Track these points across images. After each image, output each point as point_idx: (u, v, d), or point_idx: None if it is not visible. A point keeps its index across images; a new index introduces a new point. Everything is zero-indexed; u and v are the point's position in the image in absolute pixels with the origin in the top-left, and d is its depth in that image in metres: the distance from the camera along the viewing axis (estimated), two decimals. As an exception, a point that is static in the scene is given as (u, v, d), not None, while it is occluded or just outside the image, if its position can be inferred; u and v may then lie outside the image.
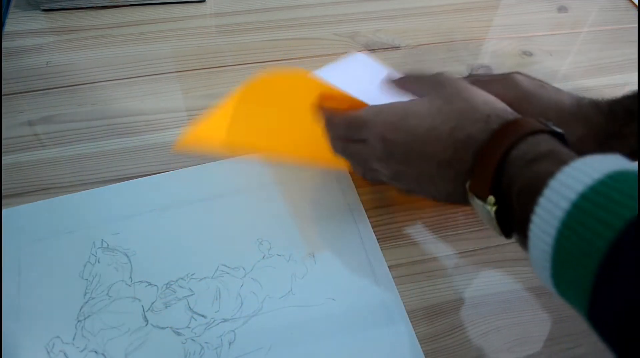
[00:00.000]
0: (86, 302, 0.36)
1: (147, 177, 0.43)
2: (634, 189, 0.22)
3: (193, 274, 0.38)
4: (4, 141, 0.45)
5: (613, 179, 0.23)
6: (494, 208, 0.28)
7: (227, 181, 0.44)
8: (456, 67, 0.55)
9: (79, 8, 0.57)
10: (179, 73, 0.52)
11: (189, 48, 0.54)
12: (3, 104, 0.48)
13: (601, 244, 0.22)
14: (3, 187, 0.42)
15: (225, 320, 0.37)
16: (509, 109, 0.33)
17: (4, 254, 0.38)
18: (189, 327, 0.36)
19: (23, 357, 0.34)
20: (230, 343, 0.36)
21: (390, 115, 0.35)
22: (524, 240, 0.27)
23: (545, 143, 0.28)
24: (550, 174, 0.25)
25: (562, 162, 0.25)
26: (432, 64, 0.54)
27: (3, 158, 0.44)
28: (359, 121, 0.36)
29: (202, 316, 0.37)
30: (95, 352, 0.34)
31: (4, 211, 0.40)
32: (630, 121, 0.36)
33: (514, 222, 0.28)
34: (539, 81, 0.41)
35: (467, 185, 0.30)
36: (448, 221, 0.43)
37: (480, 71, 0.55)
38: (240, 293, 0.38)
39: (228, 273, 0.39)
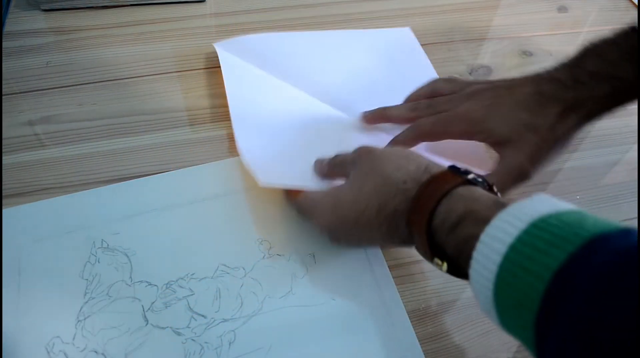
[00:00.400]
0: (86, 302, 0.36)
1: (147, 177, 0.43)
2: (558, 236, 0.23)
3: (193, 274, 0.38)
4: (4, 141, 0.45)
5: (537, 228, 0.24)
6: (444, 266, 0.30)
7: (227, 181, 0.44)
8: (456, 67, 0.55)
9: (79, 8, 0.57)
10: (179, 73, 0.52)
11: (189, 48, 0.54)
12: (3, 104, 0.48)
13: (534, 295, 0.22)
14: (3, 187, 0.42)
15: (225, 320, 0.37)
16: (424, 162, 0.33)
17: (4, 254, 0.38)
18: (189, 327, 0.36)
19: (23, 357, 0.34)
20: (230, 343, 0.36)
21: (325, 206, 0.37)
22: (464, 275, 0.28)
23: (462, 202, 0.29)
24: (474, 237, 0.26)
25: (483, 221, 0.26)
26: (432, 64, 0.54)
27: (3, 158, 0.44)
28: (303, 210, 0.39)
29: (202, 316, 0.37)
30: (95, 352, 0.34)
31: (4, 211, 0.40)
32: (597, 82, 0.37)
33: (449, 249, 0.29)
34: (488, 89, 0.41)
35: (405, 220, 0.32)
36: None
37: (480, 71, 0.55)
38: (240, 293, 0.38)
39: (228, 273, 0.39)
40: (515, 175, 0.39)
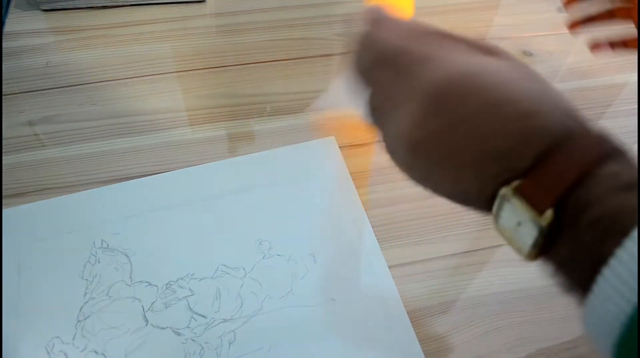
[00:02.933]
0: (86, 302, 0.36)
1: (147, 177, 0.43)
2: None
3: (193, 274, 0.38)
4: (4, 141, 0.45)
5: None
6: (546, 224, 0.20)
7: (227, 181, 0.44)
8: (456, 67, 0.55)
9: (79, 8, 0.57)
10: (179, 73, 0.52)
11: (189, 48, 0.54)
12: (3, 104, 0.48)
13: None
14: (3, 187, 0.42)
15: (225, 320, 0.37)
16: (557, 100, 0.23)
17: (4, 254, 0.38)
18: (189, 327, 0.36)
19: (23, 357, 0.34)
20: (230, 344, 0.36)
21: (454, 61, 0.24)
22: (572, 278, 0.20)
23: (634, 170, 0.20)
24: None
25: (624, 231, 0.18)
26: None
27: (3, 158, 0.44)
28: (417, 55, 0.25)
29: (202, 316, 0.37)
30: (95, 352, 0.34)
31: (4, 211, 0.40)
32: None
33: (563, 253, 0.21)
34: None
35: (514, 185, 0.21)
36: (448, 221, 0.43)
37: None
38: (240, 293, 0.38)
39: (228, 273, 0.39)
40: None
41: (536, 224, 0.20)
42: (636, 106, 0.53)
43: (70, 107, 0.48)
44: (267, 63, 0.53)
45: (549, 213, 0.20)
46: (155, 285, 0.38)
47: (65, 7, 0.56)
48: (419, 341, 0.36)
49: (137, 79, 0.51)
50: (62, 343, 0.35)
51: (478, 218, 0.44)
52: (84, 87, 0.50)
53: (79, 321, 0.36)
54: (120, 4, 0.57)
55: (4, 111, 0.47)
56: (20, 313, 0.36)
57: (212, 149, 0.46)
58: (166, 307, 0.37)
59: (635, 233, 0.18)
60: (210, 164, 0.45)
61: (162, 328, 0.36)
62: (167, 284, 0.38)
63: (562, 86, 0.55)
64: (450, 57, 0.25)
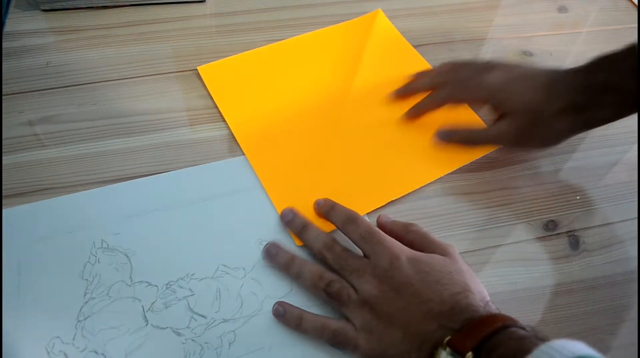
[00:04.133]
0: (86, 302, 0.36)
1: (147, 177, 0.43)
2: None
3: (193, 274, 0.38)
4: (4, 141, 0.45)
5: None
6: None
7: (227, 181, 0.44)
8: (456, 67, 0.55)
9: (79, 8, 0.57)
10: (179, 73, 0.52)
11: (189, 48, 0.54)
12: (3, 104, 0.48)
13: None
14: (3, 187, 0.42)
15: (225, 321, 0.37)
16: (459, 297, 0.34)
17: (4, 254, 0.38)
18: (189, 327, 0.36)
19: (23, 357, 0.34)
20: (230, 344, 0.36)
21: (407, 251, 0.36)
22: None
23: (529, 334, 0.30)
24: (534, 345, 0.27)
25: (541, 341, 0.28)
26: (432, 65, 0.54)
27: (3, 158, 0.44)
28: (378, 237, 0.36)
29: (202, 316, 0.37)
30: (95, 352, 0.34)
31: (4, 211, 0.40)
32: (605, 92, 0.40)
33: None
34: (509, 66, 0.45)
35: (447, 339, 0.30)
36: (447, 222, 0.43)
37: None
38: (240, 293, 0.38)
39: (228, 273, 0.39)
40: (499, 138, 0.45)
41: None
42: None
43: (70, 107, 0.48)
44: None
45: (469, 354, 0.29)
46: (155, 285, 0.38)
47: (65, 7, 0.56)
48: (419, 341, 0.36)
49: (137, 79, 0.51)
50: (62, 343, 0.35)
51: (478, 218, 0.44)
52: (84, 87, 0.50)
53: (79, 321, 0.36)
54: (120, 4, 0.57)
55: (4, 111, 0.47)
56: (20, 313, 0.36)
57: (212, 149, 0.46)
58: (166, 307, 0.37)
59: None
60: (211, 164, 0.45)
61: (162, 328, 0.36)
62: (167, 284, 0.38)
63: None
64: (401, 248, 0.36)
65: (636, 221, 0.44)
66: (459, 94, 0.47)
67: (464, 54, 0.56)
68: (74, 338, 0.35)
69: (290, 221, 0.40)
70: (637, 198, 0.46)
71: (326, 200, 0.41)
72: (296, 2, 0.60)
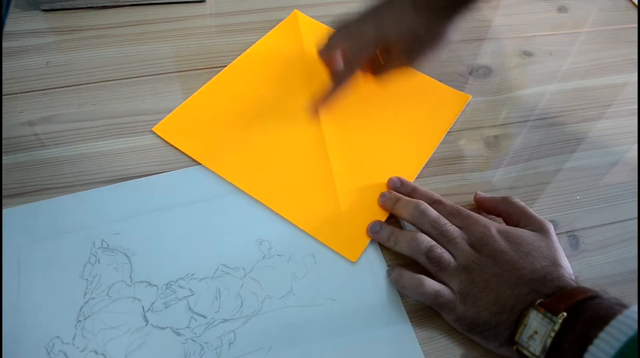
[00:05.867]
0: (86, 302, 0.36)
1: (147, 177, 0.43)
2: None
3: (193, 274, 0.38)
4: (4, 141, 0.45)
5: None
6: (561, 321, 0.31)
7: (227, 181, 0.44)
8: (456, 68, 0.55)
9: (79, 8, 0.57)
10: (179, 73, 0.52)
11: (189, 48, 0.54)
12: (3, 104, 0.48)
13: None
14: (3, 187, 0.42)
15: (225, 320, 0.37)
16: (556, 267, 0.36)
17: (4, 254, 0.38)
18: (189, 327, 0.36)
19: (23, 357, 0.34)
20: (230, 344, 0.36)
21: (500, 225, 0.39)
22: None
23: (613, 302, 0.32)
24: (620, 310, 0.30)
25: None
26: (432, 64, 0.54)
27: (3, 158, 0.44)
28: (465, 212, 0.40)
29: (202, 316, 0.37)
30: (95, 352, 0.34)
31: (4, 211, 0.40)
32: None
33: (563, 349, 0.31)
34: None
35: (538, 301, 0.33)
36: (448, 221, 0.43)
37: (480, 71, 0.55)
38: (240, 293, 0.38)
39: (228, 273, 0.39)
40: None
41: (551, 323, 0.31)
42: (636, 106, 0.53)
43: (70, 107, 0.48)
44: (267, 63, 0.53)
45: (564, 313, 0.31)
46: (155, 285, 0.38)
47: (65, 7, 0.56)
48: (419, 341, 0.36)
49: (137, 79, 0.51)
50: (62, 343, 0.35)
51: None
52: (84, 87, 0.50)
53: (79, 321, 0.36)
54: (120, 4, 0.57)
55: (4, 111, 0.47)
56: (20, 313, 0.36)
57: (212, 149, 0.46)
58: (166, 307, 0.37)
59: (607, 328, 0.29)
60: (210, 164, 0.45)
61: (162, 328, 0.36)
62: (167, 284, 0.38)
63: (562, 86, 0.55)
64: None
65: (636, 221, 0.45)
66: (360, 54, 0.45)
67: (464, 54, 0.56)
68: (74, 338, 0.35)
69: (377, 230, 0.41)
70: (637, 198, 0.46)
71: (403, 181, 0.44)
72: (296, 2, 0.60)
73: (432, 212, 0.39)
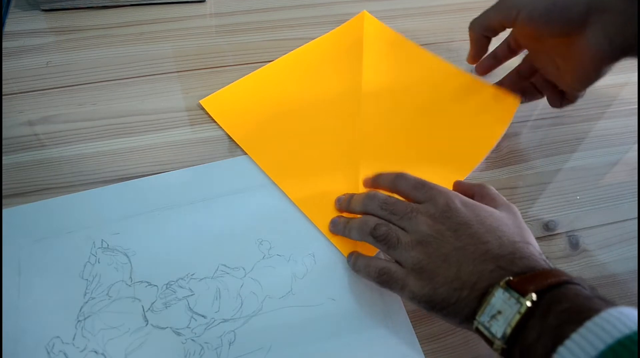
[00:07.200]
0: (86, 302, 0.36)
1: (147, 177, 0.43)
2: None
3: (193, 274, 0.38)
4: (4, 141, 0.45)
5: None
6: (529, 303, 0.28)
7: (227, 181, 0.44)
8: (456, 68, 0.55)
9: (79, 8, 0.57)
10: (179, 73, 0.52)
11: (189, 48, 0.54)
12: (3, 104, 0.48)
13: None
14: (3, 187, 0.42)
15: (225, 320, 0.37)
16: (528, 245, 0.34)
17: (4, 254, 0.38)
18: (189, 327, 0.36)
19: (23, 357, 0.34)
20: (230, 344, 0.36)
21: (464, 196, 0.36)
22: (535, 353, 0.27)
23: (589, 292, 0.29)
24: (602, 306, 0.26)
25: (610, 305, 0.27)
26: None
27: (3, 158, 0.44)
28: (430, 184, 0.37)
29: (202, 316, 0.37)
30: (95, 352, 0.34)
31: (4, 211, 0.40)
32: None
33: (531, 337, 0.28)
34: None
35: (506, 279, 0.30)
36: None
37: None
38: (240, 293, 0.38)
39: (228, 273, 0.39)
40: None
41: (518, 305, 0.28)
42: (636, 106, 0.53)
43: (70, 107, 0.48)
44: (267, 63, 0.53)
45: (533, 295, 0.28)
46: (155, 285, 0.38)
47: (65, 7, 0.56)
48: (419, 341, 0.36)
49: (137, 79, 0.51)
50: (62, 343, 0.35)
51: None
52: (84, 87, 0.50)
53: (79, 321, 0.36)
54: (120, 4, 0.57)
55: (4, 111, 0.47)
56: (20, 313, 0.36)
57: (212, 149, 0.46)
58: (166, 307, 0.37)
59: (588, 324, 0.25)
60: (211, 164, 0.45)
61: (162, 328, 0.36)
62: (167, 284, 0.38)
63: (562, 86, 0.54)
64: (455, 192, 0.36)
65: (636, 221, 0.45)
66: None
67: (463, 54, 0.56)
68: (74, 338, 0.35)
69: (336, 222, 0.41)
70: (637, 198, 0.46)
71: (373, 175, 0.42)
72: (296, 2, 0.60)
73: (381, 195, 0.38)
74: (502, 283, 0.30)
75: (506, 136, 0.49)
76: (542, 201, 0.45)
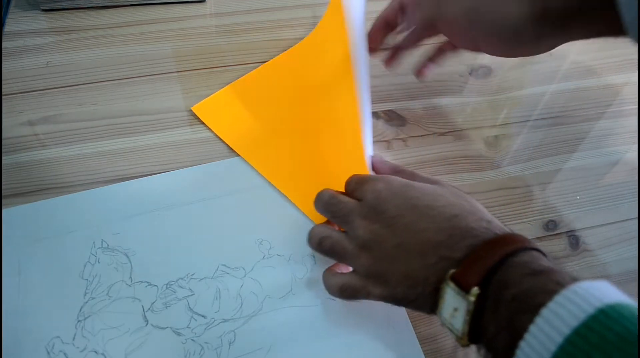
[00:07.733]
0: (86, 302, 0.36)
1: (147, 177, 0.43)
2: (629, 331, 0.21)
3: (193, 274, 0.38)
4: (4, 141, 0.45)
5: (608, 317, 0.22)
6: (473, 299, 0.26)
7: (227, 181, 0.44)
8: (456, 67, 0.55)
9: (79, 8, 0.57)
10: (179, 73, 0.52)
11: (189, 48, 0.54)
12: (3, 104, 0.48)
13: None
14: (3, 187, 0.42)
15: (225, 320, 0.37)
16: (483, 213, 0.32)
17: (4, 254, 0.38)
18: (189, 327, 0.36)
19: (23, 357, 0.34)
20: (230, 344, 0.36)
21: (394, 181, 0.34)
22: (496, 347, 0.25)
23: (544, 261, 0.27)
24: (553, 291, 0.24)
25: (560, 285, 0.24)
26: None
27: (3, 158, 0.44)
28: (364, 178, 0.36)
29: (202, 316, 0.37)
30: (95, 352, 0.34)
31: (4, 211, 0.40)
32: None
33: (490, 331, 0.26)
34: None
35: (450, 273, 0.28)
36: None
37: (480, 71, 0.55)
38: (240, 293, 0.38)
39: (228, 273, 0.39)
40: None
41: (465, 301, 0.26)
42: (636, 106, 0.53)
43: (70, 107, 0.48)
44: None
45: (475, 290, 0.26)
46: (155, 285, 0.38)
47: (65, 7, 0.56)
48: (419, 341, 0.36)
49: (137, 79, 0.51)
50: (62, 343, 0.35)
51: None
52: (84, 87, 0.50)
53: (79, 321, 0.36)
54: (120, 4, 0.57)
55: (4, 111, 0.47)
56: (20, 313, 0.36)
57: (212, 149, 0.46)
58: (166, 307, 0.37)
59: (544, 311, 0.23)
60: (211, 164, 0.45)
61: (162, 328, 0.36)
62: (167, 284, 0.38)
63: (562, 86, 0.55)
64: (385, 179, 0.34)
65: (636, 221, 0.45)
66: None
67: (463, 54, 0.56)
68: (74, 338, 0.35)
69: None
70: (637, 198, 0.46)
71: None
72: (296, 2, 0.60)
73: (325, 195, 0.36)
74: (447, 277, 0.28)
75: (506, 136, 0.49)
76: (542, 201, 0.45)
